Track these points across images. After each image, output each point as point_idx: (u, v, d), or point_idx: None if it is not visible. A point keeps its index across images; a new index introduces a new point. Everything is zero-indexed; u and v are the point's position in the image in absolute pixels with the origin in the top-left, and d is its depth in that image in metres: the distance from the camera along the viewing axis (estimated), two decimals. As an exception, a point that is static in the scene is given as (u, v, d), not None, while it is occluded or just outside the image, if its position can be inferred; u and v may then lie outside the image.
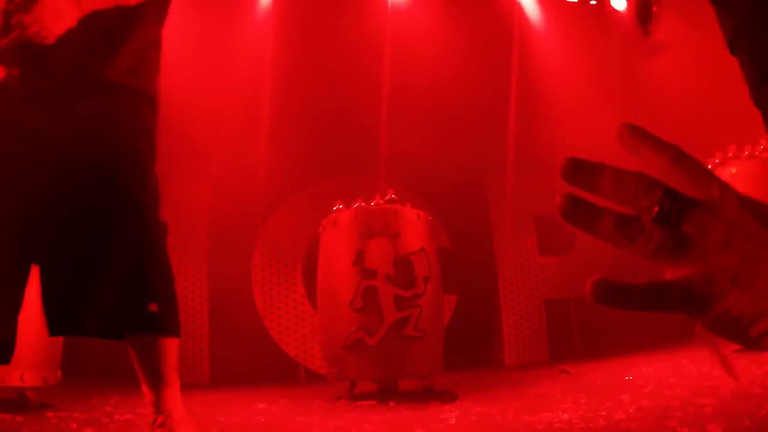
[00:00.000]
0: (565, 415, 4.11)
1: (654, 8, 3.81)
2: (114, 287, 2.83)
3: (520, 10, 10.48)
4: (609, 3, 10.61)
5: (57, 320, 2.88)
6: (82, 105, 2.90)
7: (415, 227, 6.35)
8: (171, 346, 2.97)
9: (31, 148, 2.86)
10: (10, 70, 2.86)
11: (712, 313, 0.85)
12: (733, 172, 6.31)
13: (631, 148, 0.91)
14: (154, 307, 2.87)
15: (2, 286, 2.83)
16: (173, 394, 2.97)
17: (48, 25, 2.68)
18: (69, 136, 2.87)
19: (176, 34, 8.47)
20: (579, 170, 0.89)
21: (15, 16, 2.68)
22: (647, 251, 0.86)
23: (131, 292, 2.86)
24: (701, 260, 0.86)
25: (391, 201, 6.47)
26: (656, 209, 0.86)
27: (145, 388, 2.96)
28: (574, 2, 10.67)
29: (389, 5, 10.03)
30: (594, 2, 10.69)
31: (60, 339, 5.35)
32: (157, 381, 2.93)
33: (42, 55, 2.81)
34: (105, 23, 2.95)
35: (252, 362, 8.55)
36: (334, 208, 6.54)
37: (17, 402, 5.08)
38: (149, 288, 2.91)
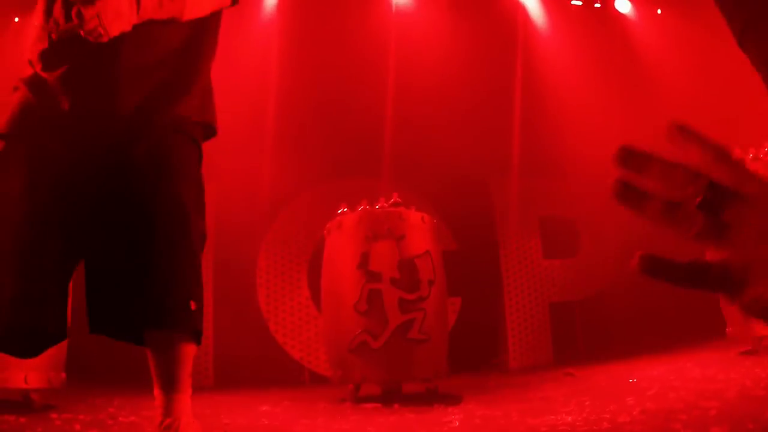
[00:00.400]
0: (569, 418, 4.11)
1: None
2: (157, 283, 2.86)
3: (524, 12, 10.49)
4: (613, 6, 10.61)
5: (101, 316, 2.91)
6: (130, 104, 2.93)
7: (419, 230, 6.35)
8: (189, 352, 2.99)
9: (80, 148, 2.89)
10: (63, 64, 2.88)
11: (745, 297, 0.91)
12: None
13: (679, 144, 0.96)
14: (193, 305, 2.91)
15: (52, 286, 2.86)
16: (184, 399, 2.98)
17: (106, 24, 2.69)
18: (119, 134, 2.90)
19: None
20: (631, 157, 0.95)
21: (76, 7, 2.69)
22: (690, 235, 0.94)
23: (173, 289, 2.89)
24: (739, 247, 0.92)
25: (395, 204, 6.47)
26: (700, 198, 0.92)
27: (156, 391, 2.97)
28: (579, 5, 10.67)
29: (393, 8, 10.03)
30: (598, 5, 10.70)
31: (65, 341, 5.36)
32: (171, 385, 2.94)
33: (97, 53, 2.84)
34: (162, 50, 3.00)
35: (256, 365, 8.55)
36: (339, 211, 6.55)
37: (21, 403, 5.09)
38: (188, 286, 2.94)
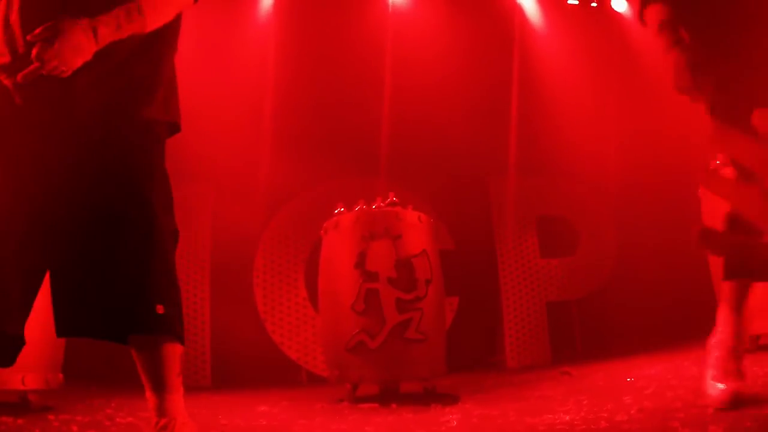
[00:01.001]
0: (567, 417, 4.11)
1: None
2: (121, 288, 2.85)
3: (521, 12, 10.49)
4: (610, 5, 10.61)
5: (65, 321, 2.89)
6: (94, 114, 2.91)
7: (416, 229, 6.35)
8: (175, 352, 2.98)
9: (41, 152, 2.88)
10: (24, 97, 2.87)
11: None
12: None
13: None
14: (160, 309, 2.89)
15: (15, 288, 2.84)
16: (177, 399, 2.97)
17: (67, 61, 2.70)
18: (79, 138, 2.89)
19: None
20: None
21: (36, 48, 2.69)
22: None
23: (138, 293, 2.88)
24: None
25: (392, 203, 6.46)
26: None
27: (148, 393, 2.97)
28: (575, 4, 10.67)
29: (390, 7, 10.03)
30: (595, 4, 10.70)
31: (62, 341, 5.35)
32: (160, 386, 2.94)
33: (59, 84, 2.83)
34: (121, 54, 2.97)
35: (254, 365, 8.55)
36: (336, 211, 6.55)
37: (19, 405, 5.08)
38: (156, 290, 2.92)
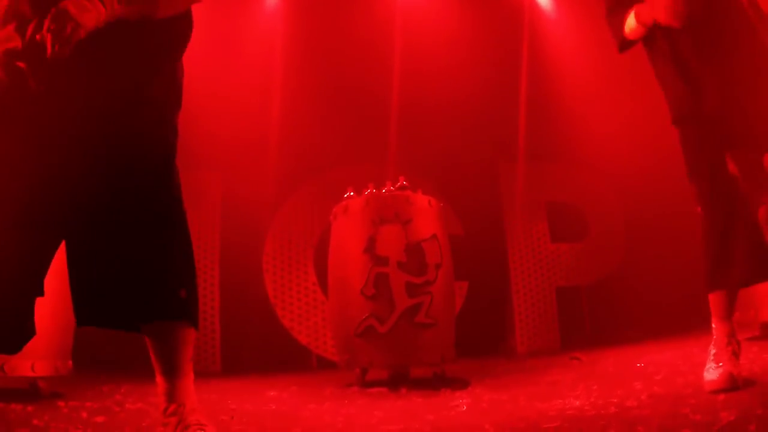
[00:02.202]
0: (577, 402, 4.10)
1: None
2: (143, 272, 2.84)
3: (530, -2, 10.45)
4: (621, -11, 10.54)
5: (86, 309, 2.88)
6: (108, 90, 2.89)
7: (426, 214, 6.34)
8: (189, 337, 2.98)
9: (59, 131, 2.85)
10: (39, 79, 2.86)
11: None
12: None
13: None
14: (183, 293, 2.89)
15: (23, 271, 2.83)
16: (187, 384, 2.97)
17: (78, 18, 2.68)
18: (97, 117, 2.87)
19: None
20: None
21: (46, 21, 2.68)
22: None
23: (161, 278, 2.87)
24: None
25: (402, 188, 6.45)
26: None
27: (159, 378, 2.96)
28: (585, -10, 10.62)
29: (400, -7, 10.01)
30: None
31: (71, 328, 5.36)
32: (172, 371, 2.93)
33: (73, 66, 2.81)
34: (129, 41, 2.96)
35: (263, 350, 8.57)
36: (345, 195, 6.53)
37: (28, 392, 5.09)
38: (177, 273, 2.93)
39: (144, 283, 2.85)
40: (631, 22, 4.25)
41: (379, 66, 9.65)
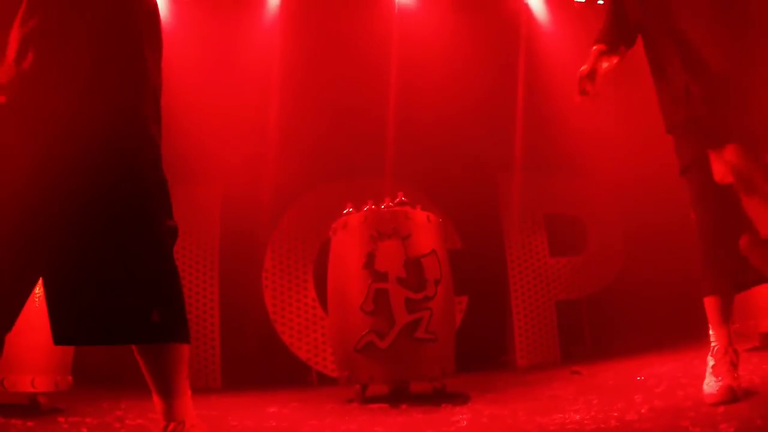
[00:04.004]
0: (577, 416, 4.10)
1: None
2: (114, 295, 2.81)
3: (527, 10, 10.47)
4: (617, 3, 10.57)
5: (61, 331, 2.86)
6: (83, 112, 2.87)
7: (425, 229, 6.34)
8: (179, 354, 2.94)
9: (33, 152, 2.83)
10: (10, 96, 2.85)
11: None
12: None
13: None
14: (155, 316, 2.84)
15: (2, 291, 2.81)
16: (185, 402, 2.95)
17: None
18: (71, 140, 2.84)
19: (185, 36, 8.47)
20: None
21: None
22: None
23: (131, 301, 2.83)
24: None
25: (401, 203, 6.46)
26: None
27: (155, 397, 2.94)
28: (582, 2, 10.65)
29: (396, 7, 10.02)
30: (601, 2, 10.67)
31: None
32: (167, 389, 2.91)
33: (48, 84, 2.82)
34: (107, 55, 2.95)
35: (263, 366, 8.57)
36: (344, 211, 6.54)
37: (28, 407, 5.09)
38: (150, 295, 2.88)
39: (114, 305, 2.81)
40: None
41: (376, 80, 9.68)
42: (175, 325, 2.91)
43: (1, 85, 2.81)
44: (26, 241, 2.79)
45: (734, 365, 3.86)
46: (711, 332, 4.00)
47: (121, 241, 2.84)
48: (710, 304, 3.99)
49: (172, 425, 2.90)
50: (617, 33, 4.60)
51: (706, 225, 4.00)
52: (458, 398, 5.77)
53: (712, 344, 3.97)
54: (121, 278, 2.82)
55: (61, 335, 2.85)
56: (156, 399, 2.93)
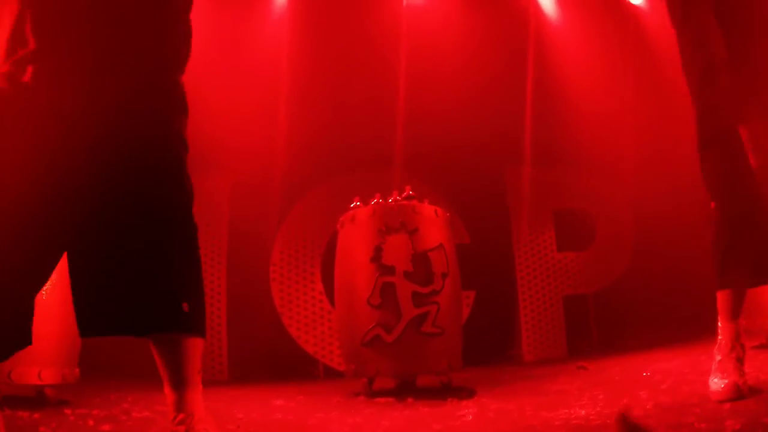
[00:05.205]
0: (583, 412, 4.10)
1: None
2: (145, 283, 2.81)
3: (536, 3, 10.44)
4: (626, -4, 10.56)
5: (89, 320, 2.86)
6: (112, 95, 2.87)
7: (433, 223, 6.34)
8: (196, 347, 2.96)
9: (60, 138, 2.83)
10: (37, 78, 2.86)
11: None
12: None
13: None
14: (186, 306, 2.87)
15: (26, 275, 2.82)
16: (196, 395, 2.96)
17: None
18: (101, 127, 2.85)
19: (195, 27, 8.51)
20: None
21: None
22: None
23: (164, 290, 2.85)
24: None
25: (409, 197, 6.46)
26: None
27: (167, 388, 2.95)
28: (592, -4, 10.63)
29: (405, 0, 10.01)
30: (611, -4, 10.65)
31: (78, 336, 5.35)
32: (180, 382, 2.91)
33: (71, 61, 2.83)
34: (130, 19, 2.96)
35: (270, 359, 8.57)
36: (352, 205, 6.54)
37: (35, 399, 5.09)
38: (182, 285, 2.90)
39: (143, 295, 2.82)
40: None
41: (385, 73, 9.66)
42: (199, 317, 2.94)
43: (22, 65, 2.83)
44: (54, 229, 2.81)
45: (740, 361, 3.85)
46: (719, 325, 3.98)
47: (153, 232, 2.86)
48: (723, 298, 3.95)
49: (181, 416, 2.90)
50: None
51: (728, 211, 3.93)
52: (464, 392, 5.77)
53: (719, 338, 3.95)
54: (153, 268, 2.84)
55: (89, 327, 2.85)
56: (167, 390, 2.94)
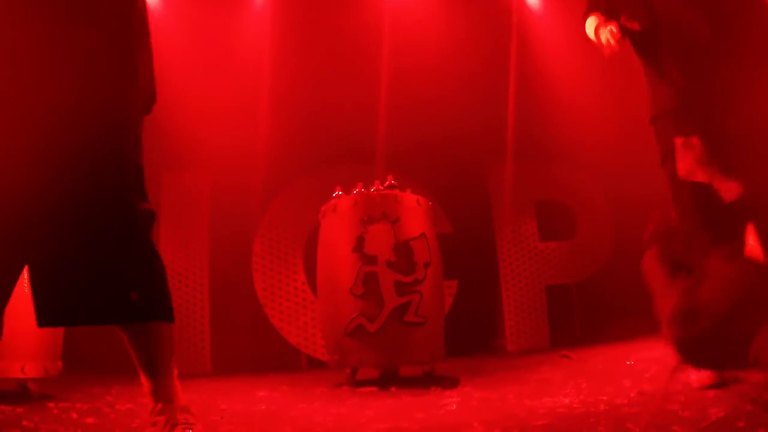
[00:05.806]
0: (566, 400, 4.11)
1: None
2: (93, 277, 2.82)
3: (518, -3, 10.44)
4: (608, -13, 10.53)
5: (44, 312, 2.87)
6: (59, 94, 2.86)
7: (415, 213, 6.34)
8: (162, 333, 2.96)
9: (14, 141, 2.83)
10: None
11: None
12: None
13: None
14: (134, 296, 2.87)
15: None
16: (171, 382, 2.97)
17: None
18: (47, 125, 2.84)
19: (175, 25, 8.45)
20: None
21: None
22: None
23: (109, 282, 2.85)
24: None
25: (390, 186, 6.45)
26: None
27: (142, 378, 2.96)
28: (574, -11, 10.62)
29: (387, -7, 10.00)
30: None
31: (60, 330, 5.34)
32: (152, 369, 2.93)
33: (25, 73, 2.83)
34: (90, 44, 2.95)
35: (253, 350, 8.56)
36: (334, 195, 6.53)
37: (18, 393, 5.08)
38: (128, 276, 2.90)
39: (92, 287, 2.85)
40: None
41: (367, 65, 9.65)
42: (155, 304, 2.94)
43: None
44: (12, 229, 2.79)
45: None
46: None
47: (97, 226, 2.86)
48: None
49: (159, 405, 2.92)
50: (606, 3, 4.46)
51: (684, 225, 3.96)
52: (448, 382, 5.77)
53: None
54: (99, 261, 2.86)
55: (43, 317, 2.87)
56: (143, 379, 2.96)
